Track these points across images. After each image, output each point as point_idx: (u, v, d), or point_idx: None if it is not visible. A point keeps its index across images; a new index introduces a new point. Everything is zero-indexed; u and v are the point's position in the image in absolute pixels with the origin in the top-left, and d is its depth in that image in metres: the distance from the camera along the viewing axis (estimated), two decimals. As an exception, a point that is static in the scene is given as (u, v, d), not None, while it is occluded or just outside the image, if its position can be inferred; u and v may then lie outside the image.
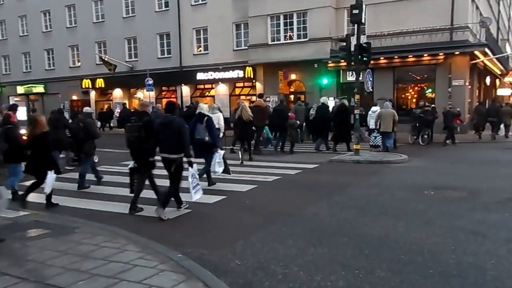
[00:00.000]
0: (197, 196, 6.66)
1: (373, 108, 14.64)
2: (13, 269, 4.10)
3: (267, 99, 20.58)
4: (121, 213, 6.58)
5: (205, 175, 8.64)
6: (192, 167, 6.46)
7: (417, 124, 15.77)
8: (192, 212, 6.54)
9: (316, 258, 4.52)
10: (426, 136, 15.64)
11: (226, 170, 8.82)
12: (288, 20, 22.23)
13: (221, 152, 8.43)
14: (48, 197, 7.08)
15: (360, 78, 12.81)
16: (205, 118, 8.28)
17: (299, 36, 22.01)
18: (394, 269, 4.15)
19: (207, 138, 8.17)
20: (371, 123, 14.24)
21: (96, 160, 9.80)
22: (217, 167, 8.31)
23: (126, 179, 9.33)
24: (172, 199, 6.59)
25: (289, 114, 14.32)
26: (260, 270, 4.22)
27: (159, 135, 6.45)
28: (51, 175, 6.94)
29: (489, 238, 5.04)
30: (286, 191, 8.23)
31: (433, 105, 17.24)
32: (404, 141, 15.69)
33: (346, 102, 14.26)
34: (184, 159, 6.36)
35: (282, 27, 22.41)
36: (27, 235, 5.21)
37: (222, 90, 25.65)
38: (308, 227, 5.66)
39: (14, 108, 11.19)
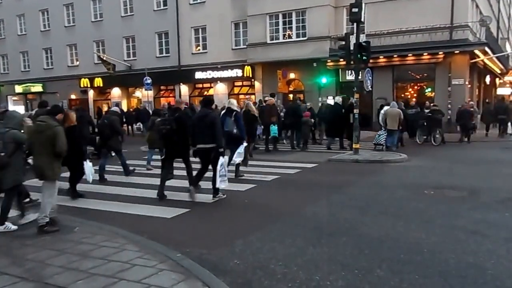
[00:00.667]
0: (222, 184, 7.30)
1: (385, 108, 14.92)
2: (12, 268, 4.09)
3: (266, 98, 20.55)
4: (120, 212, 6.56)
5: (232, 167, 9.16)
6: (223, 156, 7.22)
7: (425, 124, 15.48)
8: (191, 212, 6.53)
9: (316, 257, 4.51)
10: (438, 136, 15.23)
11: (244, 162, 9.53)
12: (287, 19, 22.22)
13: (245, 144, 9.03)
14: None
15: (360, 77, 12.80)
16: (234, 112, 8.91)
17: (298, 35, 22.00)
18: (393, 269, 4.14)
19: (235, 131, 8.76)
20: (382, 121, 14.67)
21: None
22: (237, 157, 8.79)
23: (126, 179, 9.41)
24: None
25: (304, 112, 14.81)
26: (260, 269, 4.21)
27: (195, 128, 7.37)
28: (87, 165, 7.48)
29: (489, 237, 5.04)
30: (285, 190, 8.22)
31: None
32: (410, 141, 15.57)
33: (354, 101, 14.17)
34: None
35: (281, 26, 22.39)
36: (26, 235, 5.19)
37: (220, 89, 25.62)
38: (307, 226, 5.66)
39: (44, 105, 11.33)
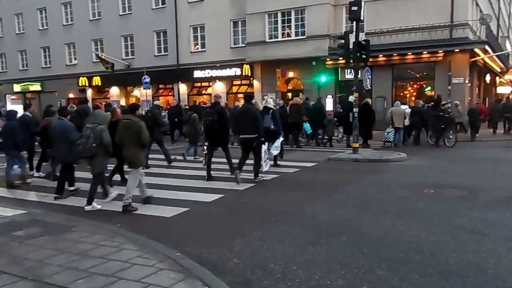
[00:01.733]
0: (266, 167, 9.12)
1: (402, 107, 15.57)
2: (11, 267, 4.07)
3: (265, 97, 20.52)
4: (118, 211, 6.54)
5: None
6: (264, 144, 9.01)
7: (432, 124, 14.77)
8: (190, 211, 6.51)
9: (315, 256, 4.50)
10: (451, 137, 14.29)
11: (281, 155, 10.74)
12: (286, 18, 22.20)
13: (281, 138, 10.28)
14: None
15: (359, 76, 12.79)
16: (271, 110, 10.13)
17: (297, 34, 21.98)
18: (393, 268, 4.13)
19: (272, 127, 9.88)
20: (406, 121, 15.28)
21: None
22: (274, 149, 9.99)
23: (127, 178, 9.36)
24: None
25: (327, 111, 16.00)
26: (259, 268, 4.20)
27: (238, 121, 8.95)
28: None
29: (489, 236, 5.03)
30: (285, 189, 8.21)
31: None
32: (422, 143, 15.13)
33: (369, 100, 15.24)
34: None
35: (280, 25, 22.37)
36: (25, 234, 5.17)
37: (219, 88, 25.57)
38: (307, 225, 5.64)
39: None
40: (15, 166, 9.20)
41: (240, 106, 11.27)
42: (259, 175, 8.87)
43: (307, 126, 15.34)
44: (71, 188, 7.98)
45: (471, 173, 9.50)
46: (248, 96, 9.95)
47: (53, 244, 4.76)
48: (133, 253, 4.41)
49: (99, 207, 6.82)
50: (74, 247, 4.65)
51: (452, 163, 11.03)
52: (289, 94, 23.03)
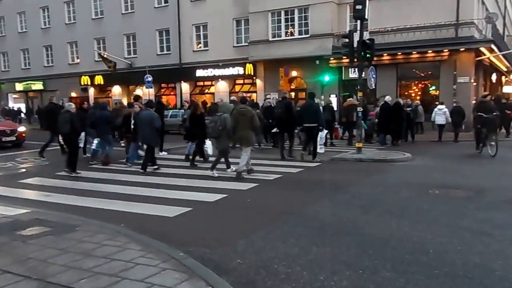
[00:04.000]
0: (321, 150, 12.04)
1: (439, 106, 16.33)
2: (15, 267, 4.05)
3: (268, 96, 20.51)
4: (121, 211, 6.53)
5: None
6: (322, 131, 11.73)
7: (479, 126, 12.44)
8: (193, 211, 6.49)
9: (319, 257, 4.46)
10: (493, 143, 11.82)
11: (325, 143, 13.22)
12: (289, 16, 22.16)
13: (325, 131, 12.46)
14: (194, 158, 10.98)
15: (363, 75, 12.73)
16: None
17: (300, 32, 21.94)
18: (398, 269, 4.09)
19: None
20: (437, 119, 16.14)
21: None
22: (320, 141, 12.01)
23: (125, 178, 9.37)
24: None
25: (370, 112, 16.47)
26: (263, 269, 4.17)
27: (303, 113, 11.29)
28: (208, 142, 10.83)
29: (495, 238, 4.98)
30: (288, 189, 8.18)
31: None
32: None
33: (401, 100, 15.92)
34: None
35: (283, 23, 22.33)
36: (28, 233, 5.16)
37: (222, 87, 25.59)
38: (310, 226, 5.61)
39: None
40: (106, 148, 11.29)
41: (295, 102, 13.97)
42: (317, 158, 11.28)
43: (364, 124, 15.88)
44: (154, 167, 10.08)
45: (477, 173, 9.44)
46: (311, 93, 11.99)
47: (57, 243, 4.74)
48: (136, 252, 4.38)
49: (217, 175, 9.14)
50: (77, 246, 4.62)
51: (457, 163, 10.97)
52: (292, 94, 23.03)
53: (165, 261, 4.15)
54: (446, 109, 16.12)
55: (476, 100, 16.58)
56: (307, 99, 11.90)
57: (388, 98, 15.58)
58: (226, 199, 7.28)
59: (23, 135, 16.44)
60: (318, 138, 11.46)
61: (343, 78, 21.95)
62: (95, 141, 11.59)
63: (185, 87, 27.13)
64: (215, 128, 9.15)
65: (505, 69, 28.35)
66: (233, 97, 18.81)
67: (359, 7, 11.66)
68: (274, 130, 11.46)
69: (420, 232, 5.23)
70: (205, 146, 10.96)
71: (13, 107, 33.61)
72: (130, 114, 10.94)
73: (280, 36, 22.50)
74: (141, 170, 9.76)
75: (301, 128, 11.68)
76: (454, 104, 16.42)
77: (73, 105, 10.46)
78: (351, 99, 16.37)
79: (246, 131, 9.00)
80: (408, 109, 16.41)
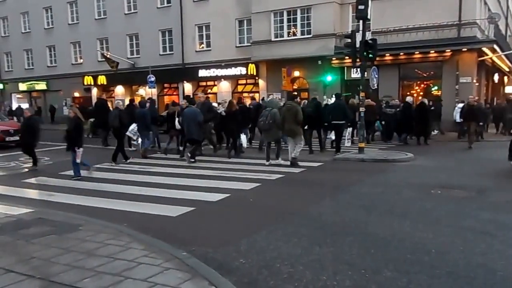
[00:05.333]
0: (348, 143, 13.90)
1: (459, 105, 16.78)
2: (18, 266, 4.07)
3: (270, 95, 20.48)
4: (124, 210, 6.55)
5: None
6: (348, 128, 13.62)
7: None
8: (195, 210, 6.50)
9: (322, 257, 4.47)
10: None
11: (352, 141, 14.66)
12: (291, 16, 22.14)
13: (350, 129, 14.07)
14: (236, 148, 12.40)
15: (366, 75, 12.72)
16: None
17: (302, 33, 21.92)
18: (400, 269, 4.10)
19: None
20: (458, 117, 16.35)
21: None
22: (348, 136, 14.10)
23: (128, 177, 9.40)
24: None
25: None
26: (265, 269, 4.18)
27: (332, 111, 12.45)
28: (243, 136, 12.74)
29: (498, 238, 4.98)
30: (290, 189, 8.19)
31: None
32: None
33: (425, 100, 16.11)
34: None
35: (285, 23, 22.31)
36: (31, 233, 5.18)
37: (224, 87, 25.59)
38: (313, 226, 5.62)
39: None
40: (145, 142, 12.60)
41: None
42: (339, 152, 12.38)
43: (378, 124, 16.43)
44: (192, 160, 11.19)
45: (479, 174, 9.41)
46: (338, 94, 13.51)
47: (60, 242, 4.76)
48: (139, 252, 4.40)
49: (282, 162, 10.66)
50: (80, 246, 4.64)
51: (459, 164, 10.94)
52: (295, 93, 22.98)
53: (168, 260, 4.16)
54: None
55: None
56: (335, 99, 13.13)
57: (409, 99, 16.09)
58: (228, 198, 7.29)
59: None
60: (347, 133, 13.23)
61: (345, 78, 21.91)
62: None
63: (188, 87, 27.14)
64: (266, 122, 10.40)
65: (507, 69, 28.26)
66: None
67: (361, 7, 11.65)
68: (305, 127, 12.06)
69: (422, 232, 5.23)
70: (240, 140, 12.57)
71: (19, 106, 33.42)
72: (175, 111, 12.68)
73: (283, 36, 22.48)
74: (192, 160, 11.19)
75: (330, 125, 12.80)
76: (475, 103, 16.68)
77: (121, 102, 11.65)
78: (369, 100, 16.62)
79: (292, 125, 10.34)
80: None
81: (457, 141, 16.15)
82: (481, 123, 15.81)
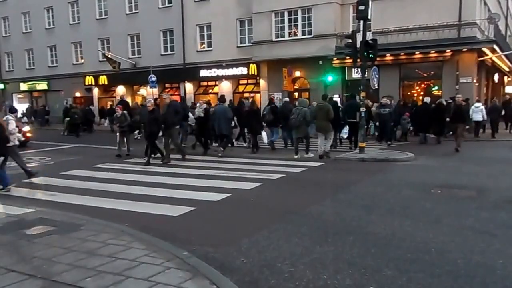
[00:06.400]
0: (360, 138, 12.84)
1: (476, 104, 17.22)
2: (20, 265, 4.09)
3: (272, 95, 20.51)
4: (125, 210, 6.57)
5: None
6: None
7: None
8: (196, 210, 6.52)
9: (322, 256, 4.49)
10: None
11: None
12: (292, 17, 22.15)
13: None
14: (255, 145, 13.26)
15: (366, 75, 12.73)
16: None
17: (303, 33, 21.94)
18: (401, 268, 4.11)
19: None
20: (475, 116, 16.92)
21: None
22: (343, 134, 14.36)
23: (129, 177, 9.43)
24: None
25: (405, 113, 17.25)
26: (266, 268, 4.20)
27: (347, 110, 13.67)
28: (264, 133, 13.90)
29: (497, 237, 4.99)
30: (291, 189, 8.20)
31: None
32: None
33: (443, 101, 16.33)
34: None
35: (286, 24, 22.33)
36: (33, 232, 5.21)
37: (225, 87, 25.59)
38: (314, 225, 5.64)
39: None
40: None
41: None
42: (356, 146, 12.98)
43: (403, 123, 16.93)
44: (220, 153, 12.24)
45: (479, 173, 9.41)
46: (353, 94, 14.62)
47: (61, 242, 4.78)
48: (140, 251, 4.42)
49: (312, 155, 11.69)
50: (82, 245, 4.66)
51: (460, 163, 10.94)
52: (296, 94, 23.03)
53: (169, 260, 4.18)
54: (482, 107, 17.13)
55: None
56: (350, 99, 14.43)
57: (427, 99, 16.54)
58: (229, 198, 7.31)
59: (28, 135, 16.55)
60: (361, 129, 13.57)
61: (346, 78, 21.91)
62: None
63: (189, 87, 27.17)
64: (297, 119, 11.43)
65: (507, 69, 28.24)
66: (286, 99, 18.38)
67: (362, 7, 11.66)
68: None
69: (423, 231, 5.25)
70: (261, 136, 13.79)
71: (43, 106, 33.02)
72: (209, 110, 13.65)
73: (284, 37, 22.50)
74: (222, 150, 12.37)
75: (349, 122, 13.74)
76: (491, 103, 17.08)
77: (152, 101, 11.91)
78: (387, 99, 17.13)
79: (323, 122, 11.55)
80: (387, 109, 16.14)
81: (478, 140, 16.53)
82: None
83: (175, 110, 12.02)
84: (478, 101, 17.45)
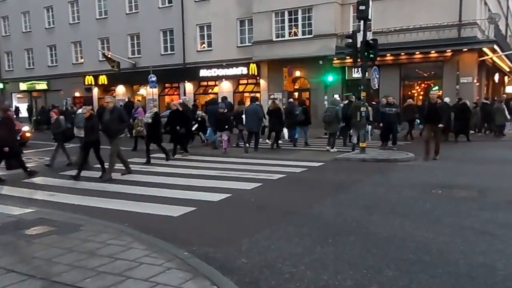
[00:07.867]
0: (369, 139, 14.83)
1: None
2: (20, 266, 4.08)
3: (271, 96, 20.48)
4: (125, 210, 6.56)
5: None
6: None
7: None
8: (197, 210, 6.51)
9: (323, 257, 4.47)
10: None
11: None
12: (292, 16, 22.15)
13: (369, 127, 15.34)
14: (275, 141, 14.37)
15: (367, 75, 12.72)
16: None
17: (304, 33, 21.93)
18: (402, 269, 4.10)
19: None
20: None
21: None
22: (369, 136, 15.41)
23: (129, 177, 9.41)
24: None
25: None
26: (267, 268, 4.18)
27: (352, 111, 13.12)
28: (285, 130, 15.11)
29: (498, 237, 4.97)
30: (292, 189, 8.20)
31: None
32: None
33: (467, 101, 16.57)
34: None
35: (286, 23, 22.33)
36: (33, 233, 5.19)
37: (225, 87, 25.57)
38: (314, 225, 5.62)
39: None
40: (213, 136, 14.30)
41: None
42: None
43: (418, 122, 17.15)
44: (248, 151, 13.21)
45: (480, 174, 9.40)
46: (360, 96, 14.40)
47: (61, 242, 4.77)
48: (140, 252, 4.41)
49: (332, 150, 12.97)
50: (82, 246, 4.65)
51: (460, 164, 10.93)
52: (296, 94, 23.00)
53: (170, 260, 4.17)
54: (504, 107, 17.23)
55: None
56: (354, 99, 14.82)
57: (447, 99, 16.20)
58: (230, 198, 7.29)
59: (27, 134, 16.52)
60: (369, 129, 14.98)
61: (346, 78, 21.91)
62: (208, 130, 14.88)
63: (189, 87, 27.15)
64: (330, 116, 12.99)
65: (507, 69, 28.25)
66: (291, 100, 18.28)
67: (362, 7, 11.64)
68: (342, 124, 13.91)
69: (424, 231, 5.23)
70: (282, 133, 14.86)
71: (72, 107, 31.06)
72: (241, 110, 14.76)
73: (284, 36, 22.49)
74: (255, 150, 13.34)
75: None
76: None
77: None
78: (410, 100, 18.25)
79: (334, 124, 13.17)
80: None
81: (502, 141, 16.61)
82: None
83: (119, 116, 9.89)
84: (499, 101, 17.66)
